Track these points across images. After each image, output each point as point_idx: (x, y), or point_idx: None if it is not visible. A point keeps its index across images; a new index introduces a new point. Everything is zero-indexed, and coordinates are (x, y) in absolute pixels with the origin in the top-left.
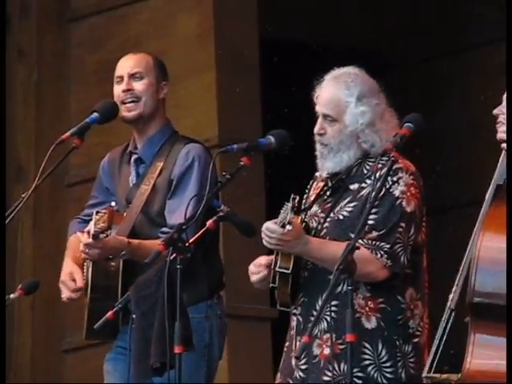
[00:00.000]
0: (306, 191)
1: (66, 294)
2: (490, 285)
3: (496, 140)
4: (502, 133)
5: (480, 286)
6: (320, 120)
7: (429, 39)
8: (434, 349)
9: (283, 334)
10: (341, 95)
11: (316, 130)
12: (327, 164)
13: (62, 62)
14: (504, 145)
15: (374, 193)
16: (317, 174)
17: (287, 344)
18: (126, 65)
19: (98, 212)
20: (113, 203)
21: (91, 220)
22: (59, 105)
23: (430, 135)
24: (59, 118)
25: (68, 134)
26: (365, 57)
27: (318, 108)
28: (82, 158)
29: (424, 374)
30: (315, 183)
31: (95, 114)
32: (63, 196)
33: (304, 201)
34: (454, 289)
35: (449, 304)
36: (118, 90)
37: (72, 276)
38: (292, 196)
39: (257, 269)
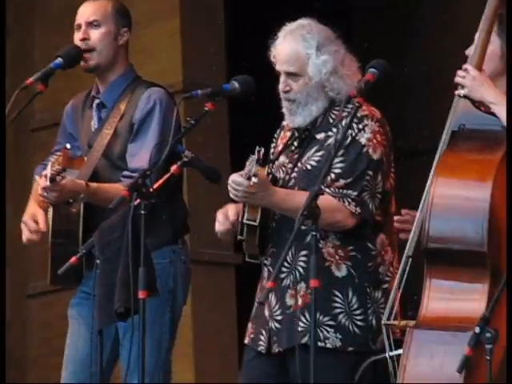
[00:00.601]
0: (274, 140)
1: (26, 234)
2: (444, 230)
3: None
4: (458, 76)
5: (434, 231)
6: (283, 78)
7: None
8: (392, 296)
9: (247, 280)
10: (300, 49)
11: (281, 88)
12: (297, 119)
13: (26, 6)
14: (458, 91)
15: (339, 139)
16: (284, 122)
17: (259, 295)
18: (84, 12)
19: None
20: (67, 145)
21: None
22: (23, 50)
23: (394, 81)
24: (23, 63)
25: (32, 79)
26: (328, 2)
27: (278, 67)
28: (47, 103)
29: (383, 322)
30: (282, 132)
31: (59, 60)
32: (27, 141)
33: (272, 150)
34: (411, 235)
35: (406, 251)
36: (76, 38)
37: (34, 217)
38: (257, 148)
39: (223, 220)
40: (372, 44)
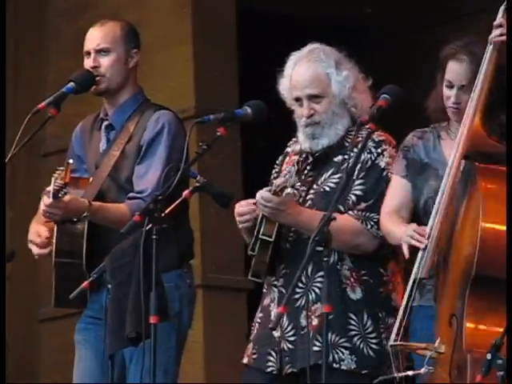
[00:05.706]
0: (276, 166)
1: (35, 250)
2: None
3: None
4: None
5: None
6: (306, 102)
7: (407, 11)
8: (399, 318)
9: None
10: (319, 70)
11: (304, 113)
12: (322, 141)
13: (39, 32)
14: None
15: (352, 162)
16: (288, 149)
17: (261, 315)
18: (93, 39)
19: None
20: (70, 160)
21: None
22: (36, 75)
23: (408, 108)
24: (36, 88)
25: (44, 103)
26: (344, 30)
27: (298, 93)
28: (59, 128)
29: (390, 343)
30: (287, 158)
31: (71, 84)
32: (39, 166)
33: (272, 176)
34: (419, 257)
35: (413, 274)
36: (86, 64)
37: (38, 233)
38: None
39: (246, 203)
40: (389, 69)
